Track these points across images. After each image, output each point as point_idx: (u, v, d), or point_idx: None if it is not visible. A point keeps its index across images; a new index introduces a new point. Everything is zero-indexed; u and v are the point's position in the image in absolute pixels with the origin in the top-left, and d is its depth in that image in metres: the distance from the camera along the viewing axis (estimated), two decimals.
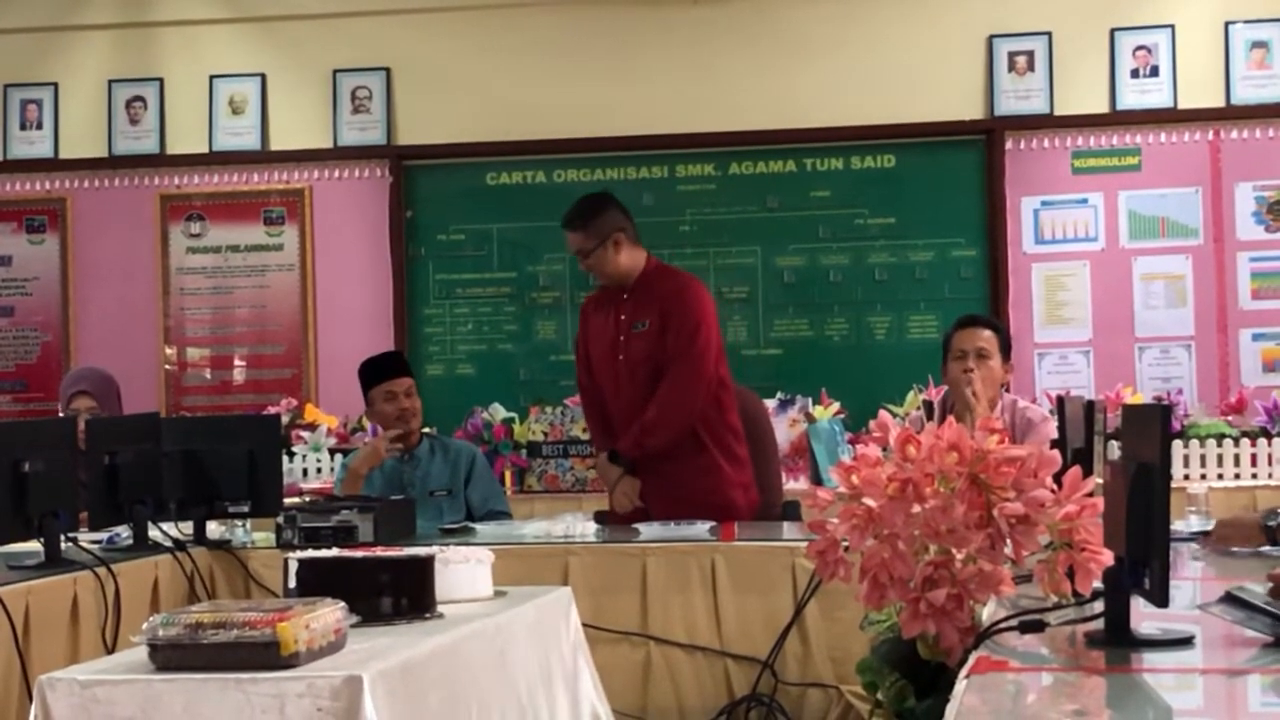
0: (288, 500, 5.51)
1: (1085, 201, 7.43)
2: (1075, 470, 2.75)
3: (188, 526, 5.19)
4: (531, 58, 7.73)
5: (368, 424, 7.26)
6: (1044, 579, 2.75)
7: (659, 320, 5.51)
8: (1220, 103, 7.34)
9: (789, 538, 5.00)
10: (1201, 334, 7.33)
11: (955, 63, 7.50)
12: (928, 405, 5.77)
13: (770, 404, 6.82)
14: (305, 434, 7.53)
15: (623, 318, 5.60)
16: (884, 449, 2.92)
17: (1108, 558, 2.65)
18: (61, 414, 6.39)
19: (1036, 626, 2.62)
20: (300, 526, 5.06)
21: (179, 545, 4.96)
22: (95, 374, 6.76)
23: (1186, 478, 6.85)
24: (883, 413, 3.07)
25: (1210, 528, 4.19)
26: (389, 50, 7.83)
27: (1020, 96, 7.46)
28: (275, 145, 7.93)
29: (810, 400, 7.21)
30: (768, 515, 5.65)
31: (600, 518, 5.75)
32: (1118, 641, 2.58)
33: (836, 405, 7.22)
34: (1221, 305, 7.32)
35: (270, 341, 7.91)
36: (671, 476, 5.46)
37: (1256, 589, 2.79)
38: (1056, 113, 7.44)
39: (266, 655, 3.04)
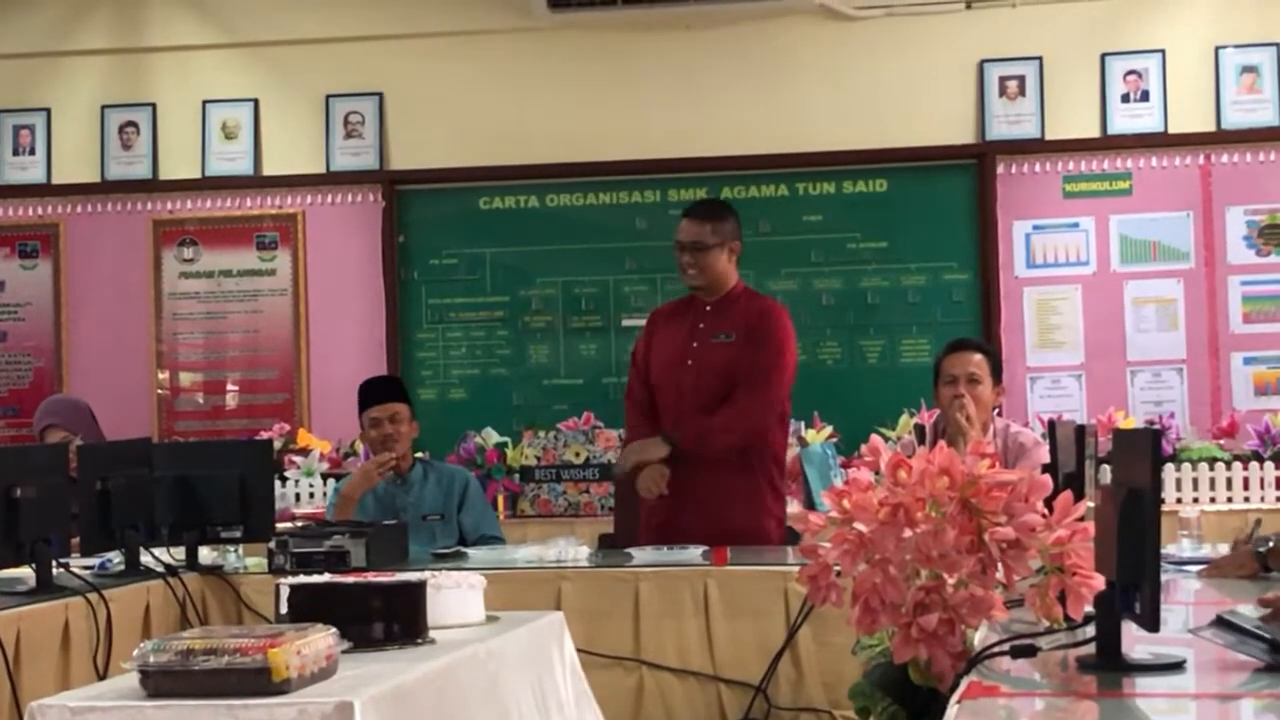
0: (280, 525, 5.51)
1: (1076, 225, 7.45)
2: (1066, 495, 2.75)
3: (179, 552, 5.18)
4: (524, 82, 7.74)
5: (360, 448, 7.25)
6: (1035, 603, 2.75)
7: (744, 334, 5.58)
8: (1211, 127, 7.36)
9: (781, 562, 4.99)
10: (1193, 358, 7.34)
11: (946, 87, 7.52)
12: (919, 429, 5.77)
13: None
14: (298, 459, 7.52)
15: (701, 326, 5.65)
16: (876, 473, 2.92)
17: (1099, 582, 2.65)
18: None
19: (1028, 651, 2.62)
20: (292, 552, 5.05)
21: (171, 571, 4.96)
22: (64, 404, 6.77)
23: (1179, 501, 6.85)
24: (875, 437, 3.08)
25: (1202, 553, 4.20)
26: (381, 75, 7.84)
27: (1011, 121, 7.47)
28: (268, 170, 7.94)
29: (803, 424, 7.21)
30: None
31: (605, 540, 5.75)
32: (1109, 666, 2.58)
33: (829, 429, 7.21)
34: (1213, 329, 7.33)
35: (263, 366, 7.91)
36: (714, 496, 5.46)
37: (1248, 613, 2.79)
38: (1047, 137, 7.45)
39: (258, 681, 3.04)
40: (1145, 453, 2.59)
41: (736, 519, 5.45)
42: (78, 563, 4.84)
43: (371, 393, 6.18)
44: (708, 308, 5.68)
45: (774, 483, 5.61)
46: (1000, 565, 2.73)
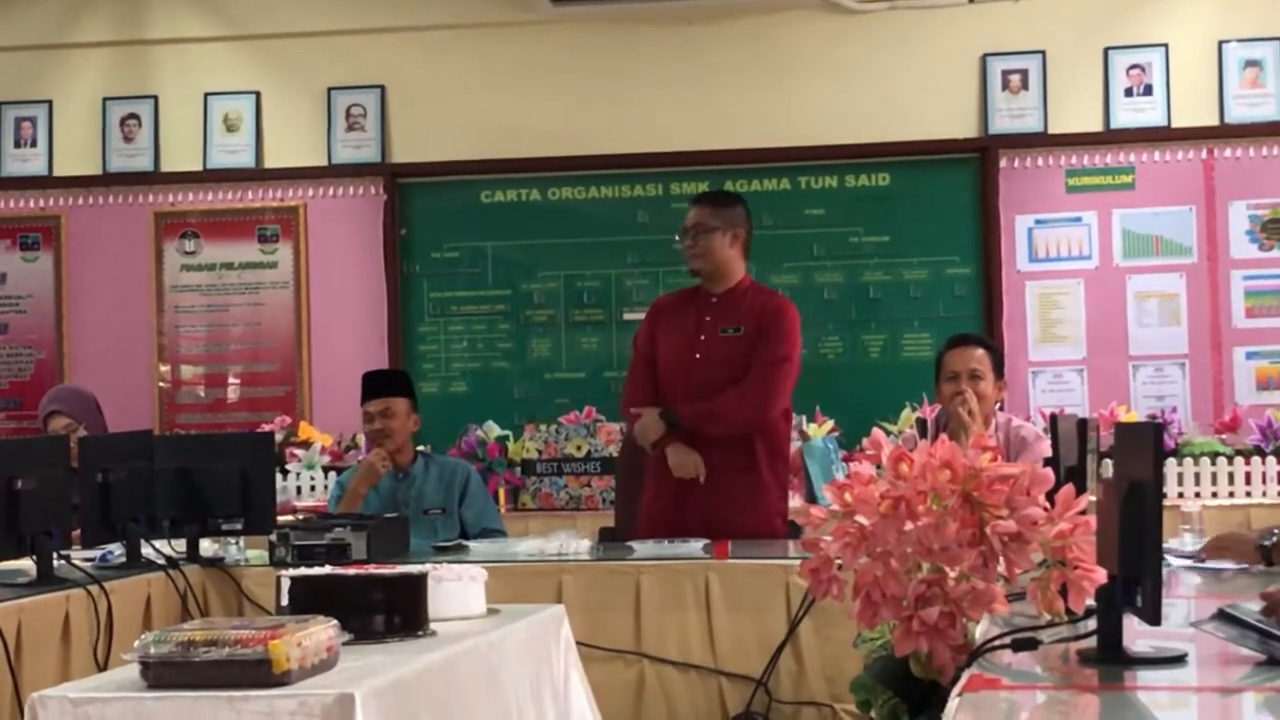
0: (281, 518, 5.51)
1: (1079, 220, 7.44)
2: (1068, 488, 2.75)
3: (180, 544, 5.18)
4: (526, 76, 7.74)
5: (362, 440, 7.25)
6: (1037, 597, 2.75)
7: (754, 329, 5.55)
8: (1214, 121, 7.36)
9: (782, 556, 4.99)
10: (1195, 352, 7.34)
11: (949, 81, 7.52)
12: (921, 423, 5.77)
13: None
14: (299, 452, 7.53)
15: (708, 319, 5.63)
16: (877, 467, 2.91)
17: (1100, 575, 2.64)
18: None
19: (1029, 644, 2.62)
20: (293, 544, 5.06)
21: (172, 563, 4.96)
22: (69, 392, 6.78)
23: (1181, 496, 6.85)
24: (876, 430, 3.07)
25: (1203, 545, 4.20)
26: (384, 68, 7.84)
27: (1014, 115, 7.47)
28: (270, 163, 7.93)
29: (804, 418, 7.21)
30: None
31: (607, 534, 5.75)
32: (1111, 659, 2.58)
33: (831, 423, 7.22)
34: (1215, 324, 7.33)
35: (264, 359, 7.91)
36: (717, 491, 5.46)
37: (1249, 607, 2.79)
38: (1050, 131, 7.45)
39: (258, 673, 3.04)
40: (1147, 447, 2.59)
41: (738, 515, 5.44)
42: (79, 554, 4.83)
43: (368, 386, 6.18)
44: (713, 299, 5.66)
45: (779, 478, 5.60)
46: (1002, 558, 2.73)
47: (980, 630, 2.87)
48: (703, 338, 5.61)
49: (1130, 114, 7.40)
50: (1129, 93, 7.40)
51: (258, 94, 7.93)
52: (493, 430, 7.44)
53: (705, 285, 5.69)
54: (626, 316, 7.63)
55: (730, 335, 5.58)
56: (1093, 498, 2.86)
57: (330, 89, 7.87)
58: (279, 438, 7.41)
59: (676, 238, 5.73)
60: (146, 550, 5.03)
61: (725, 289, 5.65)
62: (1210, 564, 4.05)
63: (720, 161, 7.62)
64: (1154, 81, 7.38)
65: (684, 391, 5.55)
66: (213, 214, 7.97)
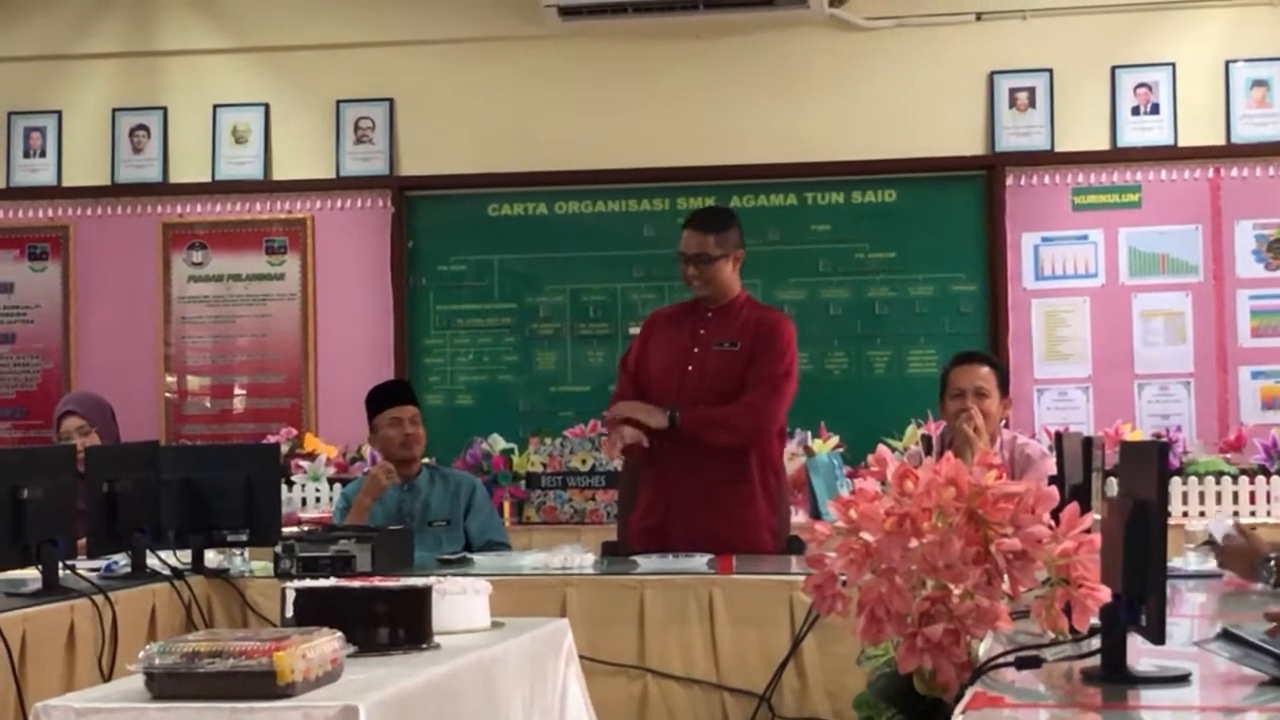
0: (286, 530, 5.51)
1: (1085, 238, 7.44)
2: (1073, 506, 2.75)
3: (186, 555, 5.18)
4: (534, 90, 7.75)
5: (367, 452, 7.25)
6: (1041, 615, 2.75)
7: (751, 344, 5.57)
8: (1220, 140, 7.35)
9: (786, 571, 4.99)
10: (1201, 371, 7.33)
11: (956, 98, 7.52)
12: (926, 440, 5.77)
13: None
14: (304, 463, 7.53)
15: (703, 333, 5.65)
16: (882, 483, 2.92)
17: (1105, 594, 2.65)
18: (54, 439, 6.42)
19: (1033, 662, 2.62)
20: (298, 556, 5.06)
21: (177, 574, 4.96)
22: (86, 396, 6.81)
23: (1185, 515, 6.84)
24: (881, 447, 3.07)
25: (1208, 566, 4.21)
26: (392, 81, 7.86)
27: (1021, 133, 7.47)
28: (278, 175, 7.95)
29: (809, 434, 7.21)
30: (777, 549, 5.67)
31: (609, 548, 5.75)
32: (1114, 678, 2.58)
33: (835, 439, 7.21)
34: (1221, 343, 7.33)
35: (270, 371, 7.91)
36: (708, 500, 5.46)
37: (1254, 626, 2.79)
38: (1057, 149, 7.45)
39: (263, 684, 3.04)
40: (1151, 465, 2.59)
41: (728, 527, 5.43)
42: (84, 565, 4.84)
43: (392, 394, 6.21)
44: (709, 314, 5.69)
45: (770, 492, 5.59)
46: (1006, 576, 2.73)
47: (984, 648, 2.88)
48: (696, 350, 5.63)
49: (1137, 133, 7.40)
50: (1136, 111, 7.41)
51: (266, 106, 7.94)
52: (498, 443, 7.45)
53: (704, 302, 5.72)
54: (632, 330, 7.60)
55: (726, 349, 5.60)
56: (1097, 516, 2.87)
57: (339, 101, 7.88)
58: (284, 449, 7.40)
59: (679, 260, 5.73)
60: (151, 561, 5.04)
61: (722, 304, 5.68)
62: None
63: (727, 176, 7.62)
64: (1161, 100, 7.39)
65: (673, 402, 5.56)
66: (221, 225, 7.98)
